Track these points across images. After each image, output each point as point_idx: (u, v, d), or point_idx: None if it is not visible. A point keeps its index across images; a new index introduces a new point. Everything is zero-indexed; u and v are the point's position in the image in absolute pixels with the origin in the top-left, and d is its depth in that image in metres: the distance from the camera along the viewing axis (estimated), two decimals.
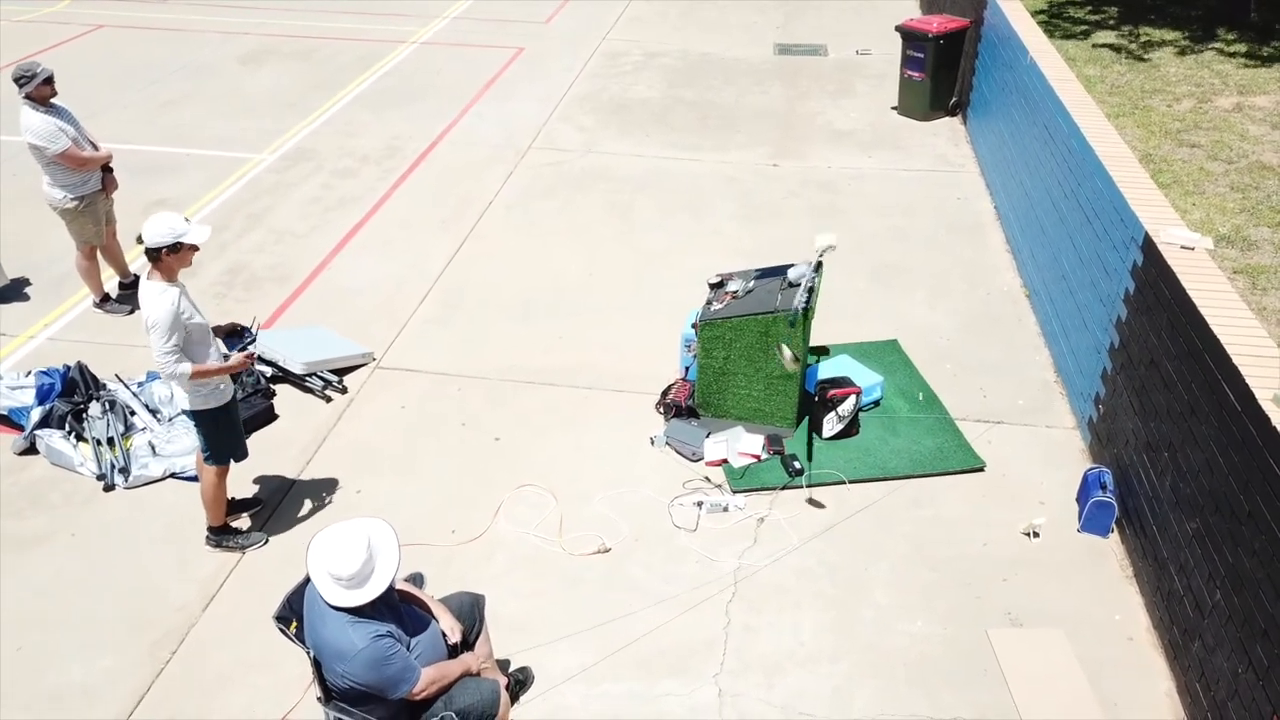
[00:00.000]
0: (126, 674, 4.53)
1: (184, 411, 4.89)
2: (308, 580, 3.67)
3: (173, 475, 5.68)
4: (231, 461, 5.05)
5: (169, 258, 4.52)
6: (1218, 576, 4.13)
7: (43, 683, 4.49)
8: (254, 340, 5.05)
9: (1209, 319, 4.40)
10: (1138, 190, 5.64)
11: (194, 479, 5.64)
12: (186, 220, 4.57)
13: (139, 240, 4.51)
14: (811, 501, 5.52)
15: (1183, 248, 5.00)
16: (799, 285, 5.86)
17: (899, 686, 4.50)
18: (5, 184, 9.20)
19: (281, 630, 3.71)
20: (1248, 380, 3.99)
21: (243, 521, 5.35)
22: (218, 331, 4.95)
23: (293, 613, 3.75)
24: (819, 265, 5.94)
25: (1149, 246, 5.15)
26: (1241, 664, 3.87)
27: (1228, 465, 4.12)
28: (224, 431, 4.93)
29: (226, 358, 4.86)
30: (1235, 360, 4.11)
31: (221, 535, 5.19)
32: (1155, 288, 5.04)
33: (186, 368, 4.56)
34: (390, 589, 3.76)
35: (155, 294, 4.48)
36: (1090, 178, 6.18)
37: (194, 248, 4.59)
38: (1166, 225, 5.22)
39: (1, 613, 4.83)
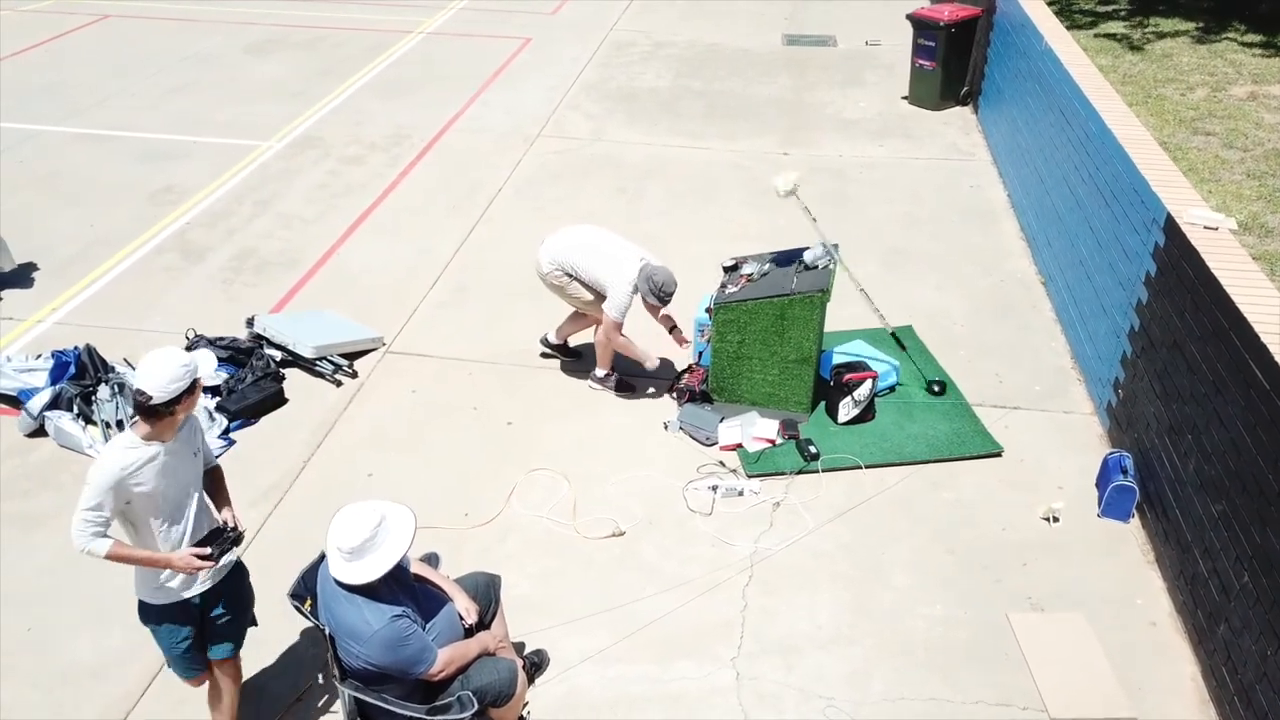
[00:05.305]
0: (136, 653, 4.47)
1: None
2: (322, 558, 3.62)
3: None
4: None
5: (186, 402, 3.41)
6: (1245, 558, 4.06)
7: (51, 661, 4.44)
8: (225, 544, 3.62)
9: (1235, 297, 4.34)
10: (1158, 172, 5.57)
11: None
12: (188, 350, 3.66)
13: (136, 393, 3.35)
14: (802, 474, 5.46)
15: (1206, 228, 4.94)
16: (815, 268, 5.80)
17: (918, 669, 4.44)
18: (11, 170, 9.15)
19: (296, 608, 3.65)
20: (1277, 358, 3.93)
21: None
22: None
23: (307, 590, 3.69)
24: (836, 247, 5.89)
25: (1171, 228, 5.08)
26: (1271, 646, 3.80)
27: (1255, 444, 4.05)
28: (163, 640, 3.76)
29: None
30: (1264, 338, 4.05)
31: None
32: (1178, 269, 4.97)
33: (101, 546, 3.38)
34: (404, 570, 3.71)
35: (114, 447, 3.41)
36: (1109, 161, 6.11)
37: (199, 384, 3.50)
38: (1188, 206, 5.15)
39: (10, 591, 4.78)
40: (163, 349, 3.44)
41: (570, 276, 6.00)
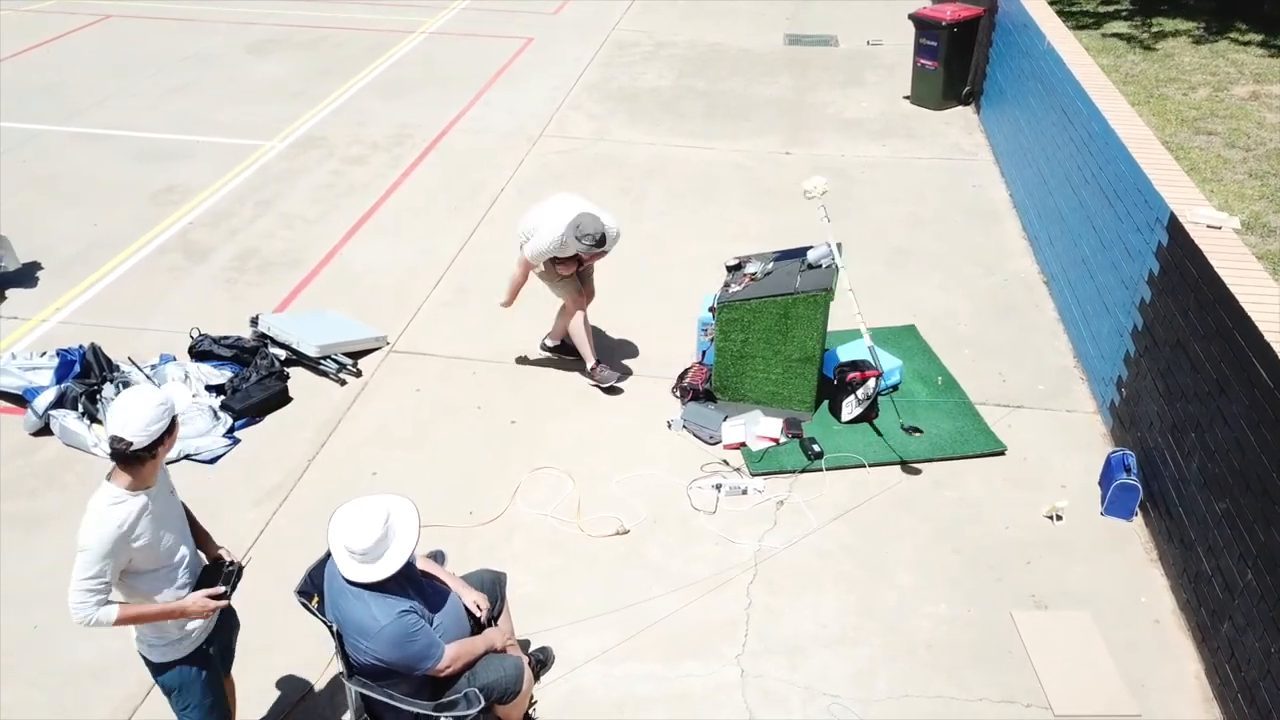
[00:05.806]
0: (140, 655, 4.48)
1: (145, 660, 3.53)
2: (329, 554, 3.62)
3: (186, 457, 5.63)
4: None
5: (167, 443, 3.21)
6: (1249, 556, 4.07)
7: (54, 662, 4.45)
8: (231, 577, 3.54)
9: (1239, 296, 4.34)
10: (1161, 171, 5.58)
11: (208, 461, 5.61)
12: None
13: (113, 441, 3.10)
14: (804, 470, 5.47)
15: (1209, 227, 4.95)
16: (819, 267, 5.81)
17: (922, 668, 4.45)
18: (12, 170, 9.16)
19: (303, 604, 3.66)
20: None
21: None
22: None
23: (314, 586, 3.70)
24: (839, 247, 5.90)
25: (1174, 227, 5.09)
26: (1275, 644, 3.81)
27: (1259, 443, 4.06)
28: (192, 698, 3.55)
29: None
30: (1267, 337, 4.05)
31: None
32: (1181, 268, 4.98)
33: (109, 613, 3.17)
34: (411, 565, 3.71)
35: (103, 505, 3.16)
36: (1112, 160, 6.12)
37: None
38: (1191, 205, 5.16)
39: (12, 591, 4.79)
40: (134, 390, 3.27)
41: None
